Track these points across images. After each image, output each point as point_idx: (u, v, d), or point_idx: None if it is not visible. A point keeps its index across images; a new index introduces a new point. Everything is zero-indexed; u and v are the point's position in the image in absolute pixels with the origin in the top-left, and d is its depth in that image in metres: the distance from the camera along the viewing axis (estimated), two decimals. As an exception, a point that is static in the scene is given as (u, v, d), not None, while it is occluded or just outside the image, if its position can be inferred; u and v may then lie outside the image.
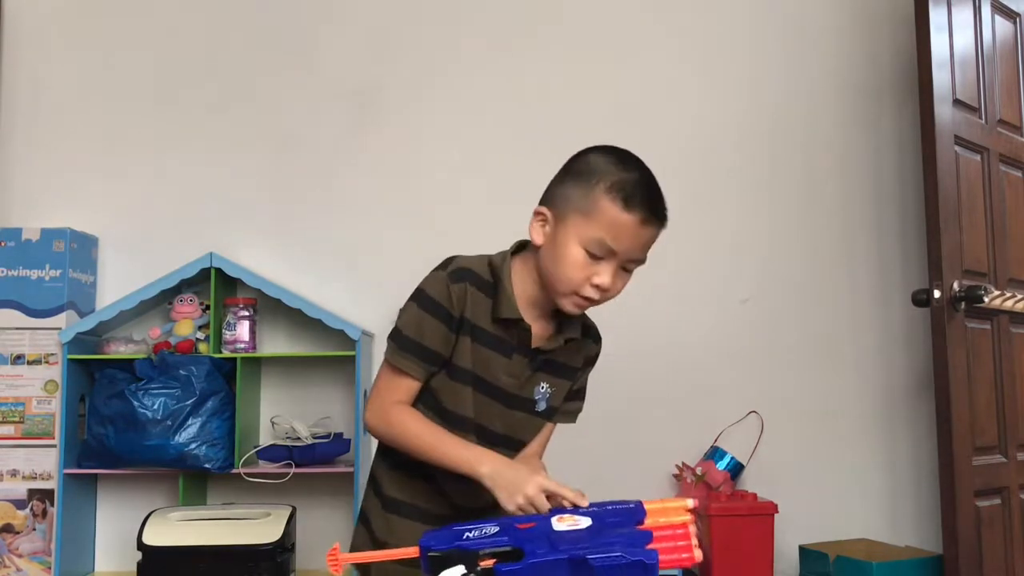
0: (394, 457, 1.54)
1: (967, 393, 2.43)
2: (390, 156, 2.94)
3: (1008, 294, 2.56)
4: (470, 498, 1.48)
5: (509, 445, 1.53)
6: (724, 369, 2.93)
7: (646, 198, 1.43)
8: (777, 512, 2.62)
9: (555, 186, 1.49)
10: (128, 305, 2.70)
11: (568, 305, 1.47)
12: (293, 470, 2.61)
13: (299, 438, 2.67)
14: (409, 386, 1.49)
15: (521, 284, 1.50)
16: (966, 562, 2.33)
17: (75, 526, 2.69)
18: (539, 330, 1.51)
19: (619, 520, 1.31)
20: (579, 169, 1.46)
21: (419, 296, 1.48)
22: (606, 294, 1.46)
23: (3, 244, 2.71)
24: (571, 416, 1.63)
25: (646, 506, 1.33)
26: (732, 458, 2.81)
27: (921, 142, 2.49)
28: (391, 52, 3.00)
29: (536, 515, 1.35)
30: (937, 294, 2.39)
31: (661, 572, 1.26)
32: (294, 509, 2.54)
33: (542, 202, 1.50)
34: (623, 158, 1.46)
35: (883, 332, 2.98)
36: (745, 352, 2.95)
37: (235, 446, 2.62)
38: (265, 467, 2.66)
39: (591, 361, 1.63)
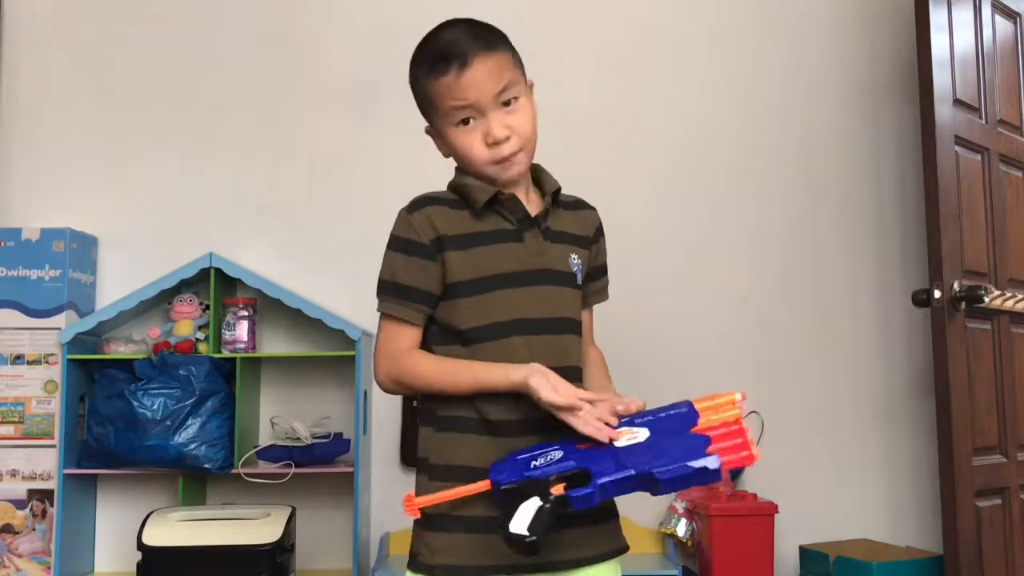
0: (438, 418, 1.45)
1: (967, 393, 2.43)
2: (390, 156, 2.94)
3: (1008, 294, 2.56)
4: (508, 410, 1.40)
5: (561, 327, 1.47)
6: (724, 369, 2.93)
7: (442, 50, 1.42)
8: (777, 512, 2.62)
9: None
10: (128, 305, 2.70)
11: (499, 173, 1.45)
12: (293, 470, 2.60)
13: (299, 438, 2.67)
14: (406, 333, 1.45)
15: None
16: (966, 562, 2.33)
17: (75, 526, 2.69)
18: (534, 208, 1.49)
19: (675, 426, 1.34)
20: (411, 85, 1.50)
21: (389, 241, 1.48)
22: (514, 137, 1.44)
23: (3, 244, 2.71)
24: (603, 294, 1.62)
25: (697, 406, 1.37)
26: (732, 458, 2.80)
27: (921, 142, 2.49)
28: (391, 52, 2.97)
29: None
30: (937, 294, 2.39)
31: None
32: (294, 509, 2.54)
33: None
34: (421, 41, 1.48)
35: (883, 332, 2.98)
36: (745, 352, 2.95)
37: (235, 446, 2.62)
38: (265, 467, 2.65)
39: (601, 230, 1.60)
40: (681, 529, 2.74)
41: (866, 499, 2.92)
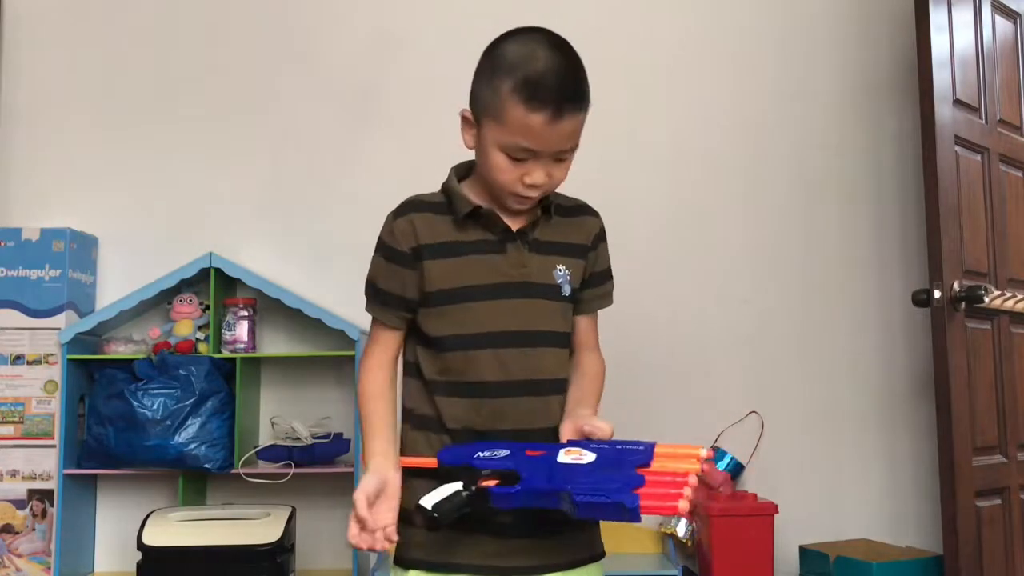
0: (411, 417, 1.48)
1: (967, 393, 2.43)
2: (390, 156, 2.94)
3: (1008, 294, 2.56)
4: (463, 416, 1.43)
5: (538, 340, 1.45)
6: (724, 369, 2.93)
7: (551, 94, 1.34)
8: (777, 512, 2.62)
9: (473, 85, 1.44)
10: (128, 305, 2.70)
11: (512, 204, 1.44)
12: (293, 470, 2.60)
13: (299, 438, 2.67)
14: (385, 336, 1.48)
15: (479, 191, 1.47)
16: (966, 562, 2.33)
17: (75, 526, 2.69)
18: (519, 222, 1.48)
19: (623, 460, 1.31)
20: (486, 67, 1.41)
21: (376, 243, 1.49)
22: (547, 185, 1.41)
23: (3, 244, 2.71)
24: (606, 299, 1.58)
25: (657, 450, 1.33)
26: (732, 458, 2.81)
27: (921, 142, 2.49)
28: (391, 52, 3.00)
29: (546, 444, 1.37)
30: (937, 294, 2.39)
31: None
32: (294, 509, 2.54)
33: (469, 101, 1.45)
34: (530, 47, 1.38)
35: (883, 332, 2.98)
36: (745, 352, 2.95)
37: (235, 446, 2.62)
38: (265, 467, 2.65)
39: (601, 236, 1.55)
40: (681, 529, 2.74)
41: (866, 499, 2.92)
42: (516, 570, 1.40)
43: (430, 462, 1.38)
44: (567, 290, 1.49)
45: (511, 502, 1.29)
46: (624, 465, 1.30)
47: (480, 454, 1.35)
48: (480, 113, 1.41)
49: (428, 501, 1.27)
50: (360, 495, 1.33)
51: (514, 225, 1.46)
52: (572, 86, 1.37)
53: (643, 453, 1.32)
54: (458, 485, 1.29)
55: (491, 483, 1.29)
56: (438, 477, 1.34)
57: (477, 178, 1.49)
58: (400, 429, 1.51)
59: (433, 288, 1.44)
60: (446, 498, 1.27)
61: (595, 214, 1.57)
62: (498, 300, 1.43)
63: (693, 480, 1.26)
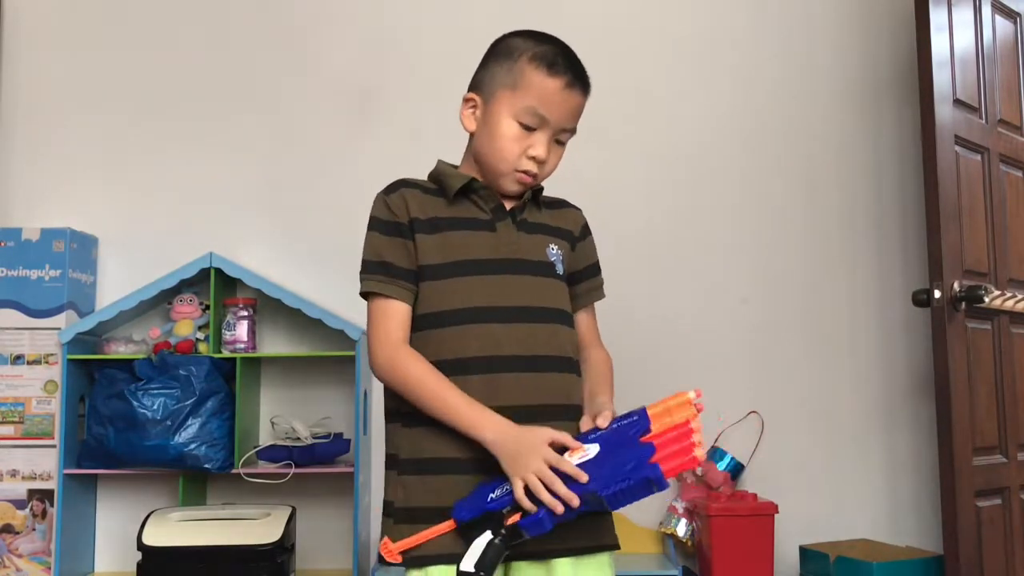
0: (403, 415, 1.46)
1: (967, 393, 2.43)
2: (390, 156, 2.94)
3: (1008, 294, 2.56)
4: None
5: (535, 316, 1.46)
6: (724, 369, 2.93)
7: (568, 63, 1.48)
8: (777, 512, 2.62)
9: (479, 72, 1.53)
10: (128, 305, 2.70)
11: (508, 184, 1.48)
12: (293, 470, 2.60)
13: (299, 438, 2.67)
14: (396, 310, 1.44)
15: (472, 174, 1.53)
16: (966, 562, 2.33)
17: (75, 526, 2.69)
18: (509, 203, 1.52)
19: (626, 437, 1.33)
20: (500, 50, 1.51)
21: (369, 223, 1.50)
22: (543, 167, 1.48)
23: (3, 244, 2.71)
24: (599, 292, 1.62)
25: (649, 412, 1.35)
26: (732, 458, 2.81)
27: (921, 142, 2.49)
28: (391, 52, 3.00)
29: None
30: (937, 294, 2.39)
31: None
32: (294, 509, 2.54)
33: (469, 89, 1.53)
34: (539, 33, 1.52)
35: (883, 332, 2.98)
36: (745, 352, 2.95)
37: (235, 446, 2.62)
38: (265, 467, 2.65)
39: (588, 229, 1.62)
40: (681, 529, 2.74)
41: (866, 499, 2.92)
42: (526, 555, 1.38)
43: (446, 526, 1.35)
44: (560, 269, 1.52)
45: (543, 526, 1.28)
46: (628, 442, 1.31)
47: (491, 495, 1.33)
48: (492, 88, 1.48)
49: (468, 564, 1.28)
50: (551, 455, 1.30)
51: (506, 204, 1.50)
52: (581, 67, 1.50)
53: (639, 422, 1.34)
54: (487, 535, 1.29)
55: (515, 518, 1.29)
56: (461, 535, 1.33)
57: (468, 166, 1.53)
58: (386, 430, 1.51)
59: (423, 263, 1.45)
60: (483, 553, 1.28)
61: (578, 209, 1.63)
62: (488, 276, 1.45)
63: (696, 424, 1.31)
